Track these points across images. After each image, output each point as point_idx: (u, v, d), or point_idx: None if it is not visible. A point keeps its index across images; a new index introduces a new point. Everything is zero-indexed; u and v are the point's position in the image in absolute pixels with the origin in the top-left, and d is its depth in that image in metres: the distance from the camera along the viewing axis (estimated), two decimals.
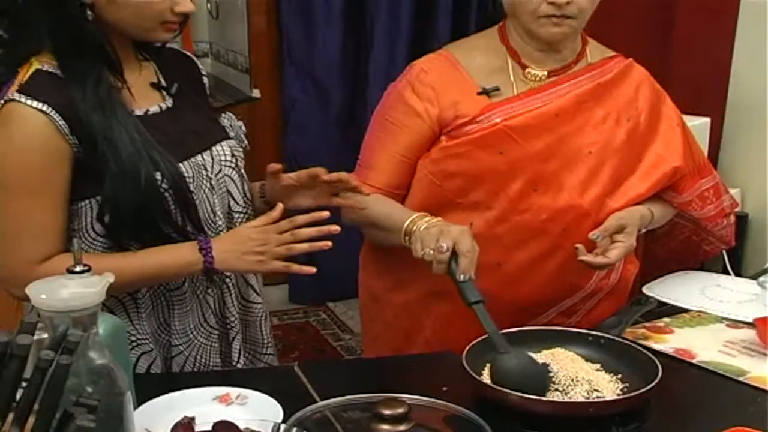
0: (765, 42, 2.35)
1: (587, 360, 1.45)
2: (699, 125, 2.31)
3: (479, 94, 1.69)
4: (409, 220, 1.59)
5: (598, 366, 1.44)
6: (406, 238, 1.58)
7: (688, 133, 1.81)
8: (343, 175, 1.55)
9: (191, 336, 1.59)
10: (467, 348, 1.42)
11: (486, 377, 1.40)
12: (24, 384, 0.95)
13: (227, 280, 1.61)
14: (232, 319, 1.63)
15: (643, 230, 1.73)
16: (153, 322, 1.57)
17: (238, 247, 1.48)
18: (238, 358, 1.64)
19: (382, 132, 1.76)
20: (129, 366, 1.37)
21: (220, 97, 3.44)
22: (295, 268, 1.48)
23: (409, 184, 1.74)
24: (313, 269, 1.48)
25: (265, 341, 1.71)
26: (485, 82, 1.70)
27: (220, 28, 3.88)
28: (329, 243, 1.46)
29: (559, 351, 1.48)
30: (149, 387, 1.36)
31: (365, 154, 1.79)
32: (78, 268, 1.13)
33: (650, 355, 1.42)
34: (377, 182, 1.73)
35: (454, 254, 1.47)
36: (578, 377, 1.41)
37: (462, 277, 1.46)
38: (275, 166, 1.57)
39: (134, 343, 1.55)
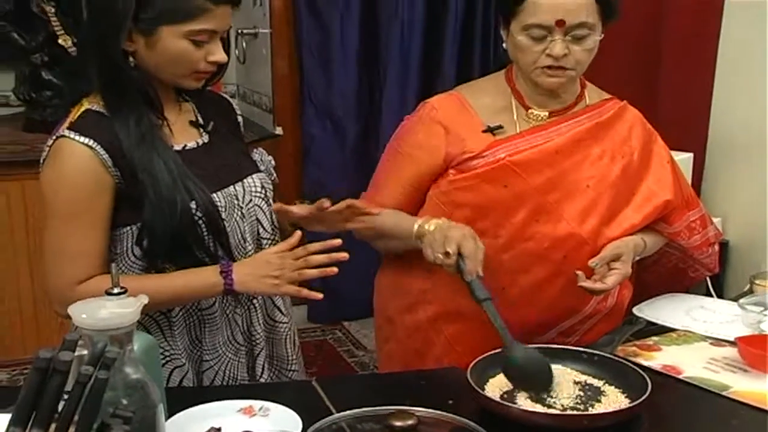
0: (741, 84, 2.36)
1: (583, 375, 1.45)
2: (683, 160, 2.31)
3: (484, 131, 1.69)
4: (417, 225, 1.61)
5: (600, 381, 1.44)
6: (418, 240, 1.60)
7: (677, 169, 1.81)
8: (349, 201, 1.54)
9: (220, 351, 1.59)
10: (471, 364, 1.42)
11: (489, 391, 1.39)
12: (65, 397, 0.95)
13: (254, 301, 1.62)
14: (258, 337, 1.63)
15: (637, 258, 1.72)
16: (185, 339, 1.57)
17: (256, 270, 1.49)
18: (262, 372, 1.64)
19: (393, 160, 1.77)
20: (161, 380, 1.37)
21: (246, 134, 3.46)
22: (305, 293, 1.50)
23: (411, 209, 1.73)
24: (320, 295, 1.50)
25: (290, 358, 1.70)
26: (490, 121, 1.70)
27: (247, 72, 3.91)
28: (335, 269, 1.48)
29: (557, 368, 1.47)
30: (179, 399, 1.36)
31: (376, 177, 1.80)
32: (116, 290, 1.13)
33: (640, 371, 1.41)
34: (384, 204, 1.73)
35: (461, 255, 1.49)
36: (575, 392, 1.41)
37: (469, 277, 1.48)
38: (276, 206, 1.57)
39: (168, 358, 1.56)
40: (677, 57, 2.60)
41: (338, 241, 1.48)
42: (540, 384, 1.42)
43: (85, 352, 1.00)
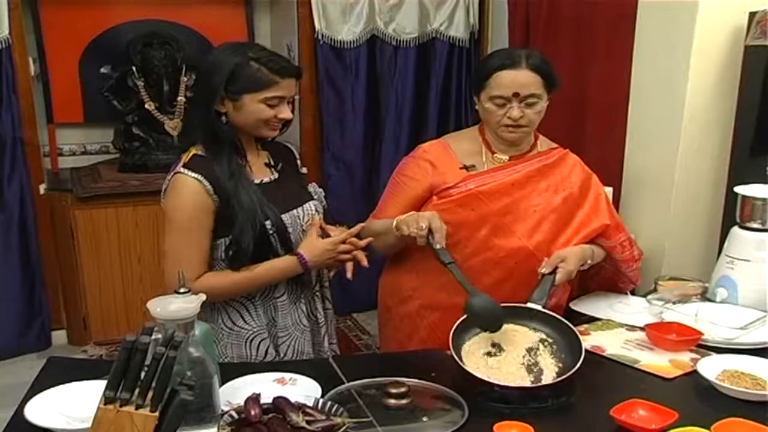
0: (645, 138, 2.37)
1: (535, 330, 1.44)
2: (606, 192, 2.30)
3: (461, 168, 1.69)
4: (394, 220, 1.59)
5: (542, 335, 1.43)
6: (396, 230, 1.58)
7: (609, 202, 1.80)
8: (354, 240, 1.60)
9: (290, 330, 1.61)
10: (451, 333, 1.39)
11: (464, 360, 1.37)
12: (146, 369, 0.94)
13: (317, 293, 1.64)
14: (321, 318, 1.65)
15: (589, 262, 1.68)
16: (264, 319, 1.58)
17: (321, 256, 1.55)
18: (327, 347, 1.66)
19: (393, 188, 1.75)
20: (215, 357, 1.36)
21: None
22: (350, 265, 1.59)
23: None
24: (364, 262, 1.59)
25: (333, 335, 1.73)
26: (466, 161, 1.70)
27: None
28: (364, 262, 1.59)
29: (512, 327, 1.45)
30: (229, 372, 1.34)
31: (381, 201, 1.78)
32: (182, 290, 1.13)
33: (579, 335, 1.41)
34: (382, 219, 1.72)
35: (430, 231, 1.48)
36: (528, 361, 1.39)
37: (437, 245, 1.47)
38: (318, 222, 1.62)
39: (255, 333, 1.58)
40: (598, 119, 2.63)
41: (362, 242, 1.60)
42: (492, 326, 1.42)
43: (160, 336, 1.00)
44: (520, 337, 1.44)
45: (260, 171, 1.59)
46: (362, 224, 1.63)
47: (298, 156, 1.76)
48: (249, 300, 1.57)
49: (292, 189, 1.63)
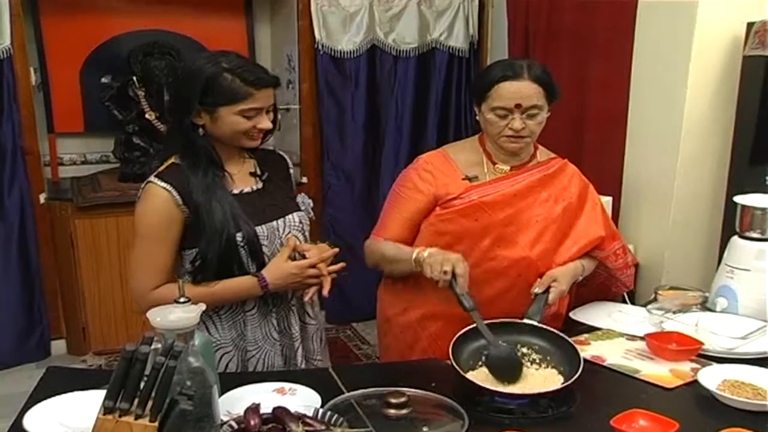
0: (645, 149, 2.38)
1: (537, 351, 1.45)
2: (605, 202, 2.29)
3: (463, 179, 1.69)
4: (415, 252, 1.58)
5: (547, 362, 1.43)
6: (416, 265, 1.57)
7: (605, 211, 1.81)
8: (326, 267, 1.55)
9: (260, 344, 1.58)
10: (452, 343, 1.40)
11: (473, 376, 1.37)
12: (145, 379, 0.94)
13: (293, 308, 1.61)
14: (295, 333, 1.61)
15: (580, 278, 1.70)
16: (232, 332, 1.56)
17: (285, 280, 1.51)
18: (300, 361, 1.62)
19: (395, 201, 1.75)
20: (215, 368, 1.36)
21: None
22: (313, 290, 1.54)
23: (410, 238, 1.71)
24: (325, 293, 1.54)
25: (316, 351, 1.68)
26: (467, 171, 1.70)
27: (282, 136, 3.92)
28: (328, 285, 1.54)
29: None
30: (230, 382, 1.34)
31: (383, 216, 1.77)
32: (182, 300, 1.13)
33: (579, 352, 1.40)
34: (387, 236, 1.71)
35: (453, 274, 1.47)
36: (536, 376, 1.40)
37: (460, 290, 1.46)
38: (292, 243, 1.58)
39: (218, 346, 1.55)
40: (597, 128, 2.64)
41: (332, 267, 1.55)
42: (510, 377, 1.40)
43: (159, 345, 1.00)
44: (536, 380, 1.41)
45: (243, 180, 1.56)
46: (337, 249, 1.59)
47: (290, 165, 1.74)
48: (215, 312, 1.54)
49: (277, 199, 1.59)
